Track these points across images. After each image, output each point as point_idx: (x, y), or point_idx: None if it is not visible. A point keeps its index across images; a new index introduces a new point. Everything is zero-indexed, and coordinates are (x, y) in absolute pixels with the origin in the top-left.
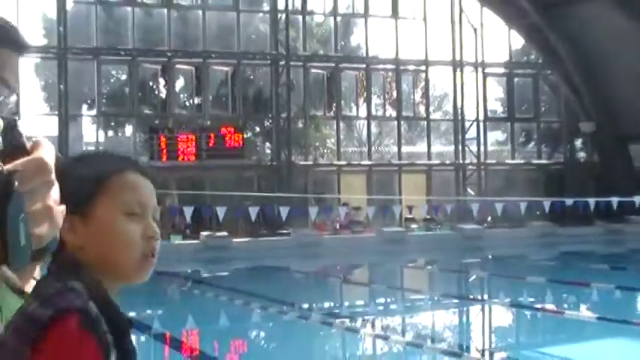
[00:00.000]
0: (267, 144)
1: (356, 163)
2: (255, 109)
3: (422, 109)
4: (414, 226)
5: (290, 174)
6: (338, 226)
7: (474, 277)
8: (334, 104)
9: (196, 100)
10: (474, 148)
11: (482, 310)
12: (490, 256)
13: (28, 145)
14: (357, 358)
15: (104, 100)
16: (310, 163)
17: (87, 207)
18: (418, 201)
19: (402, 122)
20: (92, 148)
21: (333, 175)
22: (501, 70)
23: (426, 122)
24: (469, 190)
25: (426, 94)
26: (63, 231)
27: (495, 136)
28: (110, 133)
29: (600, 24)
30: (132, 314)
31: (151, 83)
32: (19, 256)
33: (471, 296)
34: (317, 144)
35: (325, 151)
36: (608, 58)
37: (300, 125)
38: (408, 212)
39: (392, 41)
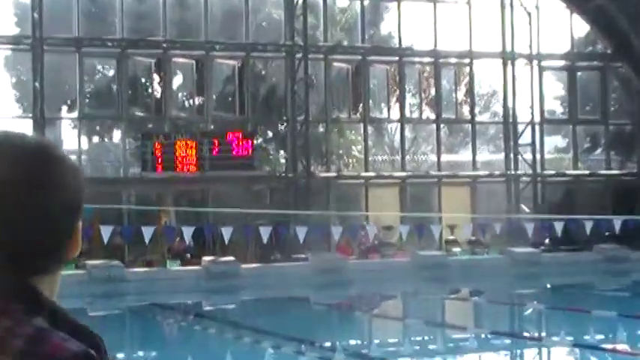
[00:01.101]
0: (282, 152)
1: (387, 174)
2: (268, 111)
3: (465, 109)
4: (456, 249)
5: (308, 187)
6: (365, 249)
7: (529, 310)
8: (361, 104)
9: (197, 101)
10: (528, 156)
11: (540, 351)
12: (548, 286)
13: None
14: None
15: (87, 100)
16: (333, 174)
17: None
18: (461, 219)
19: (441, 126)
20: (73, 157)
21: (359, 188)
22: (561, 63)
23: (470, 125)
24: (522, 206)
25: (470, 91)
26: None
27: (554, 141)
28: (95, 139)
29: None
30: (121, 356)
31: (143, 80)
32: None
33: (526, 334)
34: (341, 152)
35: (350, 160)
36: None
37: (321, 130)
38: (449, 233)
39: (430, 29)
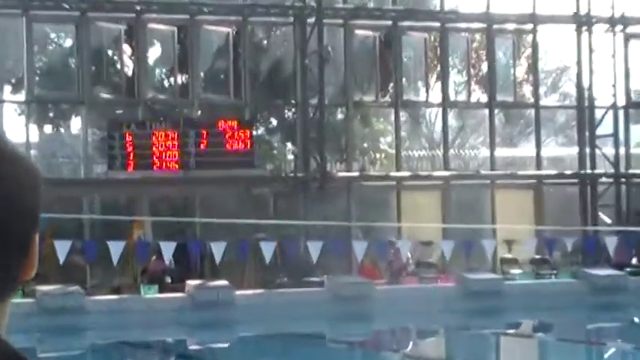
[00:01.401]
0: (289, 145)
1: (425, 174)
2: (271, 93)
3: (527, 90)
4: (515, 271)
5: (324, 191)
6: (397, 272)
7: (611, 350)
8: (391, 84)
9: (180, 79)
10: (608, 150)
11: None
12: (637, 320)
13: None
14: None
15: (38, 79)
16: (355, 174)
17: None
18: (522, 232)
19: (495, 111)
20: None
21: (389, 192)
22: None
23: (533, 111)
24: (602, 215)
25: (533, 67)
26: None
27: None
28: (47, 128)
29: None
30: None
31: (110, 52)
32: None
33: None
34: (365, 145)
35: (378, 156)
36: None
37: (340, 116)
38: (506, 250)
39: None
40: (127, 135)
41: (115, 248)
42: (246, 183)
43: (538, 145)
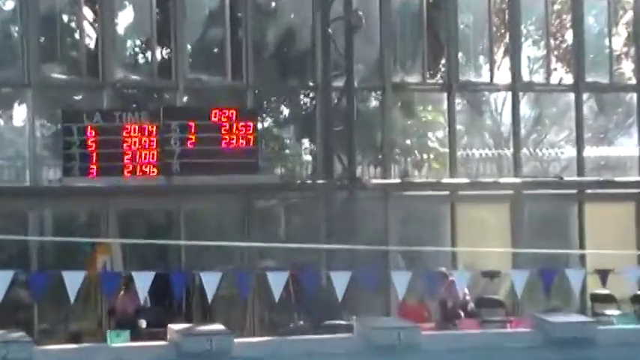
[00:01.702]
0: (306, 142)
1: (489, 180)
2: (281, 72)
3: (627, 67)
4: (611, 311)
5: (353, 204)
6: (452, 312)
7: None
8: (443, 60)
9: (160, 54)
10: None
11: None
12: None
13: None
14: None
15: None
16: (395, 181)
17: None
18: (620, 259)
19: (584, 96)
20: None
21: (441, 205)
22: None
23: (636, 96)
24: None
25: (635, 37)
26: None
27: None
28: None
29: None
30: None
31: (65, 18)
32: None
33: None
34: (408, 142)
35: (425, 156)
36: None
37: (374, 104)
38: (599, 282)
39: None
40: (89, 129)
41: (73, 281)
42: (248, 193)
43: None
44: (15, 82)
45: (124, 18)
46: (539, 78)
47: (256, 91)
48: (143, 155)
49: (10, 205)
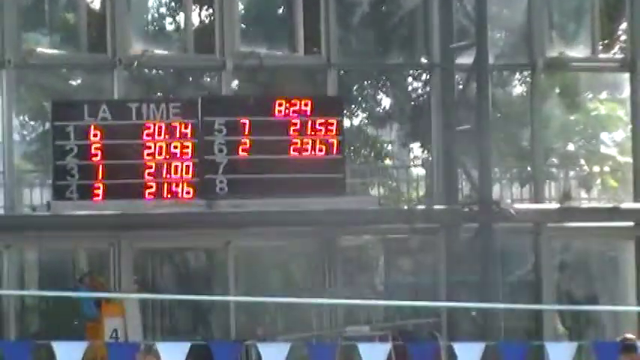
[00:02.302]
0: (417, 148)
1: None
2: (378, 43)
3: None
4: None
5: (488, 240)
6: None
7: None
8: (621, 25)
9: (199, 15)
10: None
11: None
12: None
13: None
14: None
15: None
16: (550, 206)
17: None
18: None
19: None
20: None
21: (621, 240)
22: None
23: None
24: None
25: None
26: None
27: None
28: None
29: None
30: None
31: None
32: None
33: None
34: (571, 147)
35: (597, 169)
36: None
37: (518, 90)
38: None
39: None
40: (93, 130)
41: (67, 355)
42: (330, 225)
43: None
44: None
45: None
46: None
47: (341, 72)
48: (173, 168)
49: None
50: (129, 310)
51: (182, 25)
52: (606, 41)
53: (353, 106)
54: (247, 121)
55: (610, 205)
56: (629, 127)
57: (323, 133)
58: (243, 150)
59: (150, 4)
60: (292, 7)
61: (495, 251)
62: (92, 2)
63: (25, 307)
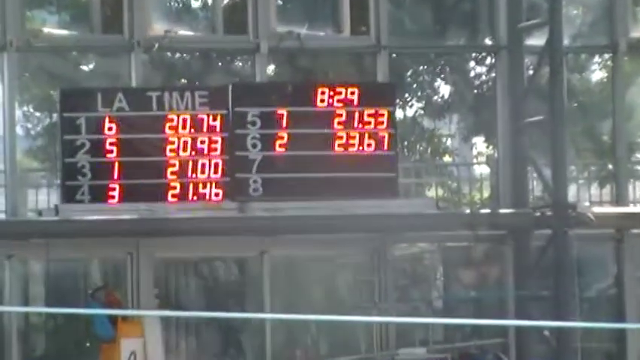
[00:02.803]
0: (481, 142)
1: None
2: (436, 21)
3: None
4: None
5: (564, 249)
6: None
7: None
8: None
9: None
10: None
11: None
12: None
13: None
14: None
15: None
16: (636, 209)
17: None
18: None
19: None
20: None
21: None
22: None
23: None
24: None
25: None
26: None
27: None
28: None
29: None
30: None
31: None
32: None
33: None
34: None
35: None
36: None
37: (598, 75)
38: None
39: None
40: (107, 122)
41: None
42: (381, 232)
43: None
44: None
45: None
46: None
47: (393, 55)
48: (200, 166)
49: None
50: (149, 330)
51: (210, 1)
52: None
53: (406, 94)
54: (285, 112)
55: None
56: None
57: (372, 125)
58: (280, 145)
59: None
60: None
61: (571, 262)
62: None
63: (29, 325)
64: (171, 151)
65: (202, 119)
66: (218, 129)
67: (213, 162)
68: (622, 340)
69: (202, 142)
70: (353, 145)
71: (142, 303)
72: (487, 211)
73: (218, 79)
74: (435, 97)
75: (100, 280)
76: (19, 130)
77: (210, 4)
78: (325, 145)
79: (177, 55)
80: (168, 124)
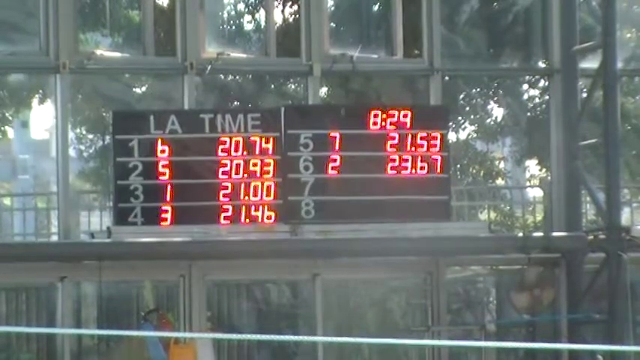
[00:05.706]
0: (534, 165)
1: None
2: (489, 44)
3: None
4: None
5: (619, 274)
6: None
7: None
8: None
9: (282, 13)
10: None
11: None
12: None
13: None
14: None
15: None
16: None
17: None
18: None
19: None
20: None
21: None
22: None
23: None
24: None
25: None
26: None
27: None
28: None
29: None
30: None
31: None
32: None
33: None
34: None
35: None
36: None
37: None
38: None
39: None
40: (160, 144)
41: None
42: (433, 253)
43: None
44: (34, 65)
45: None
46: None
47: (446, 78)
48: (252, 189)
49: (22, 275)
50: (201, 353)
51: (263, 24)
52: None
53: (459, 117)
54: (338, 135)
55: None
56: None
57: (425, 148)
58: (332, 168)
59: (226, 0)
60: (390, 3)
61: (624, 285)
62: None
63: (82, 348)
64: (223, 173)
65: (255, 142)
66: (270, 151)
67: (265, 184)
68: None
69: (255, 165)
70: (406, 167)
71: (194, 326)
72: (540, 234)
73: (271, 101)
74: (488, 120)
75: (152, 302)
76: (72, 152)
77: (263, 26)
78: (378, 168)
79: (230, 77)
80: (220, 147)
